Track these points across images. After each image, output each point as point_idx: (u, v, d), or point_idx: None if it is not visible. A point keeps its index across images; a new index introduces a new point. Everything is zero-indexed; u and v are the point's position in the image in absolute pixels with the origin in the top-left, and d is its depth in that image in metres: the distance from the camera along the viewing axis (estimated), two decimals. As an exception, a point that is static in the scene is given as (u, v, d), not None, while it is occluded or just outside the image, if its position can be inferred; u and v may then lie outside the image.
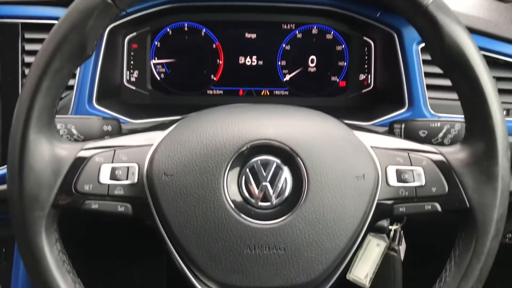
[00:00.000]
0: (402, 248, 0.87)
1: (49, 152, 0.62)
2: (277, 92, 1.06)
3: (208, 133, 0.63)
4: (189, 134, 0.64)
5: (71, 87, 0.90)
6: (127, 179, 0.63)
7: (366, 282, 0.82)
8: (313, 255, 0.61)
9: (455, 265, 0.64)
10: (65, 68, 0.60)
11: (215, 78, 1.05)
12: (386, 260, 0.83)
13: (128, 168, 0.63)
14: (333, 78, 1.06)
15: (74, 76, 0.90)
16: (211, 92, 1.06)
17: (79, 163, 0.63)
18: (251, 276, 0.61)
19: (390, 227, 0.83)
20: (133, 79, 1.03)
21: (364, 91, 1.06)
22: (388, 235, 0.84)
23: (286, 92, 1.06)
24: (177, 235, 0.61)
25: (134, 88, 1.03)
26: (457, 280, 0.63)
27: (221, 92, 1.06)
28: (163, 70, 1.04)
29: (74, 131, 0.75)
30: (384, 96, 1.02)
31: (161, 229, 0.63)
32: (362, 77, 1.05)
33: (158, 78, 1.04)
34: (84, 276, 0.68)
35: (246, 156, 0.63)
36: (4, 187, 0.79)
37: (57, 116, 0.76)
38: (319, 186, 0.62)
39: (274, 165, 0.63)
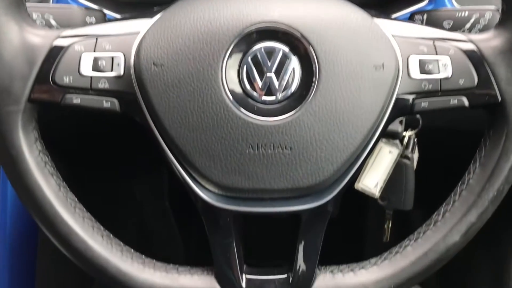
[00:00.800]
0: (415, 156, 0.82)
1: (20, 39, 0.54)
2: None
3: (203, 17, 0.55)
4: (181, 18, 0.56)
5: (50, -23, 0.81)
6: (112, 70, 0.56)
7: (376, 191, 0.77)
8: (323, 154, 0.56)
9: (480, 165, 0.59)
10: None
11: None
12: (398, 169, 0.78)
13: (112, 58, 0.56)
14: (345, -30, 0.95)
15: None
16: (208, -13, 0.95)
17: (56, 52, 0.56)
18: (253, 177, 0.56)
19: (404, 133, 0.78)
20: (120, -29, 0.93)
21: (379, -16, 0.95)
22: (401, 142, 0.79)
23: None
24: (171, 134, 0.56)
25: (122, -18, 0.94)
26: (482, 182, 0.58)
27: None
28: (154, -40, 0.94)
29: (53, 22, 0.67)
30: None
31: (152, 128, 0.57)
32: (377, -32, 0.95)
33: (149, -30, 0.94)
34: (80, 192, 0.64)
35: (247, 43, 0.55)
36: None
37: (32, 4, 0.68)
38: (331, 77, 0.55)
39: (281, 53, 0.56)
